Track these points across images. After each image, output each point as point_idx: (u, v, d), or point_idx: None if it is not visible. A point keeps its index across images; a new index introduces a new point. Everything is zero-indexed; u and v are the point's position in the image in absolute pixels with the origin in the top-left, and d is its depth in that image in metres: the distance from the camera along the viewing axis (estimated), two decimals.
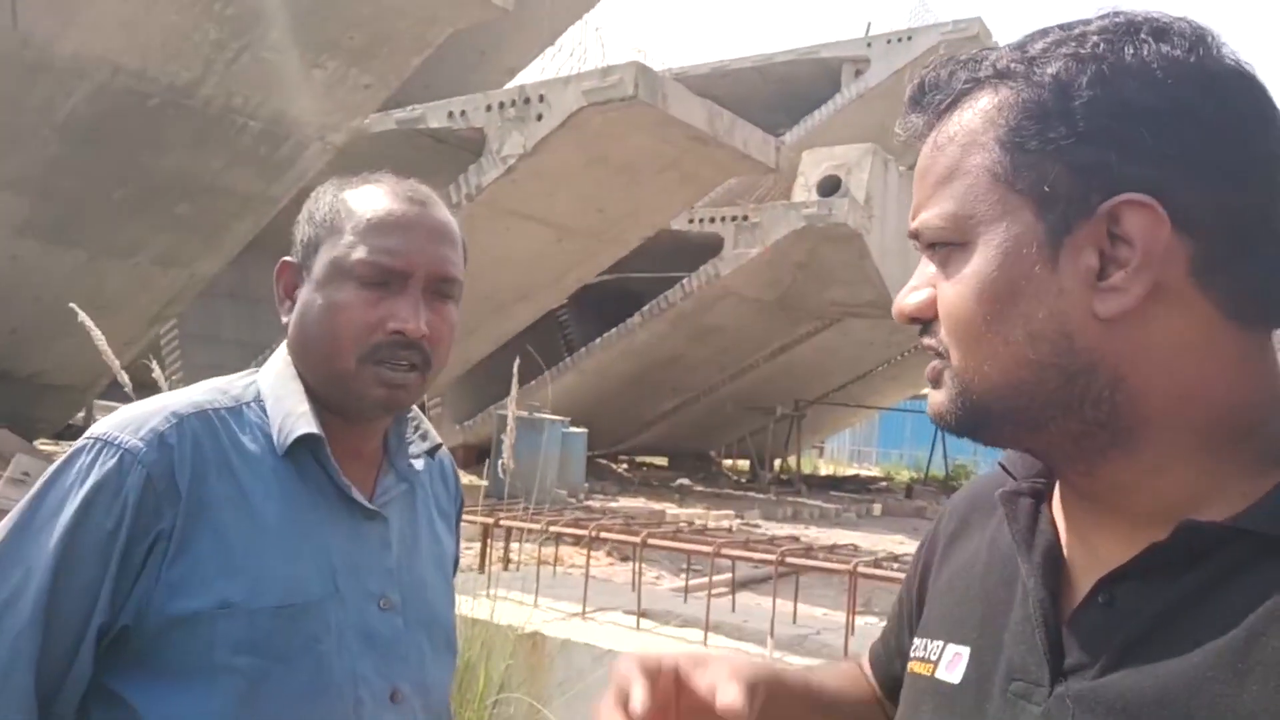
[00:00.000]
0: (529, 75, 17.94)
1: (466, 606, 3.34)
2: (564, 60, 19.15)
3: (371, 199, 1.07)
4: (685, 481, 16.80)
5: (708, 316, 14.35)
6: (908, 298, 0.66)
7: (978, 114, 0.61)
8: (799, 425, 18.94)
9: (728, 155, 10.73)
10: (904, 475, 23.28)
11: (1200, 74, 0.57)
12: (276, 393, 1.07)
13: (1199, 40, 0.58)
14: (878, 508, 15.69)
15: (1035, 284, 0.59)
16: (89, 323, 2.11)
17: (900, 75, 17.50)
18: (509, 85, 14.27)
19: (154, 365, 2.75)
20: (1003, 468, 0.73)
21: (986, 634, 0.68)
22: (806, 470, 20.63)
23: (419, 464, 1.17)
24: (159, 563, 0.95)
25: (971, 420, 0.64)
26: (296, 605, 0.99)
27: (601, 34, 21.38)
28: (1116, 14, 0.60)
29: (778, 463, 19.41)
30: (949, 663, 0.69)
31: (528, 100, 9.90)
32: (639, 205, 11.68)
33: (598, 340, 14.48)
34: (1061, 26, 0.61)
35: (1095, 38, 0.58)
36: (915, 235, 0.65)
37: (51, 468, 0.99)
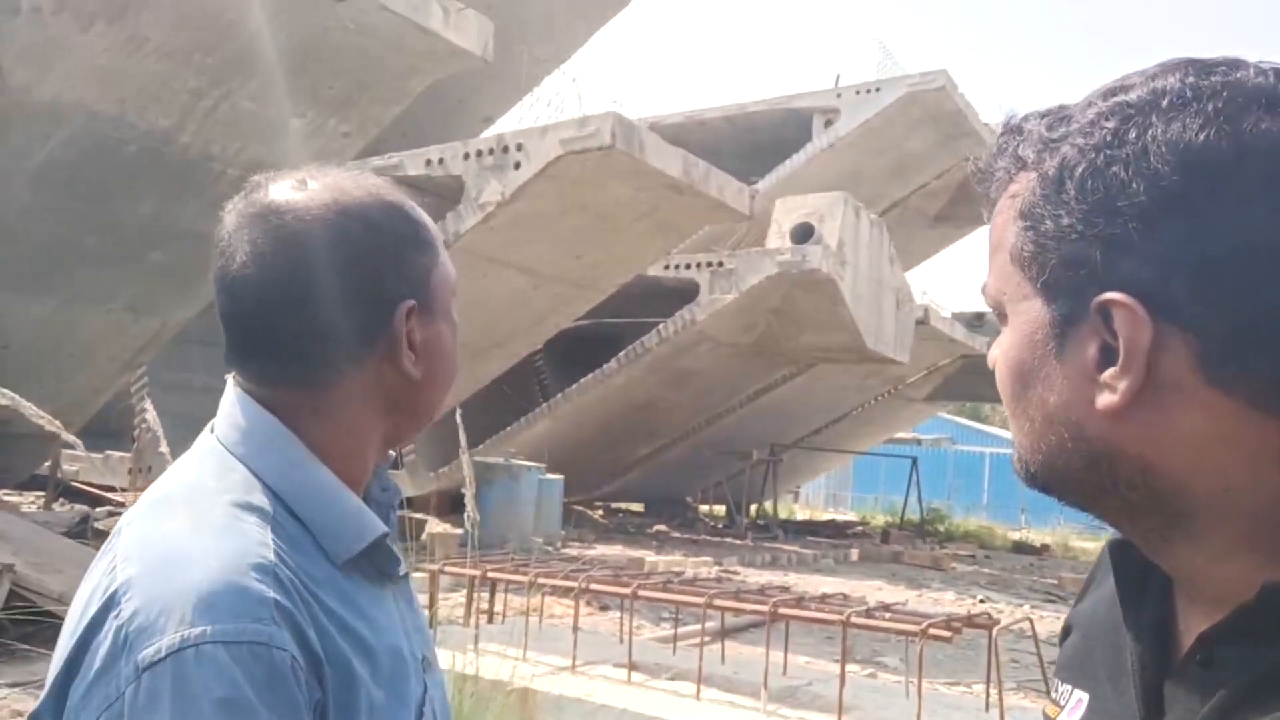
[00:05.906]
0: (506, 124, 18.10)
1: (455, 661, 3.28)
2: (541, 109, 19.35)
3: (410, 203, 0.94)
4: (662, 528, 16.70)
5: (684, 361, 14.39)
6: (989, 352, 0.67)
7: (1010, 195, 0.61)
8: (775, 470, 18.95)
9: (703, 203, 10.85)
10: (879, 520, 23.28)
11: (1202, 158, 0.53)
12: (310, 485, 0.84)
13: (1231, 113, 0.53)
14: (855, 553, 15.69)
15: (1047, 370, 0.58)
16: None
17: (869, 125, 17.86)
18: (486, 134, 14.37)
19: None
20: None
21: (1104, 681, 0.67)
22: (783, 515, 20.58)
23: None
24: None
25: (1030, 482, 0.64)
26: None
27: (578, 84, 21.62)
28: (1159, 76, 0.57)
29: (754, 508, 19.37)
30: (1072, 708, 0.68)
31: (506, 149, 9.97)
32: (615, 252, 11.74)
33: (574, 386, 14.45)
34: (1104, 92, 0.59)
35: (1106, 121, 0.56)
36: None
37: None
